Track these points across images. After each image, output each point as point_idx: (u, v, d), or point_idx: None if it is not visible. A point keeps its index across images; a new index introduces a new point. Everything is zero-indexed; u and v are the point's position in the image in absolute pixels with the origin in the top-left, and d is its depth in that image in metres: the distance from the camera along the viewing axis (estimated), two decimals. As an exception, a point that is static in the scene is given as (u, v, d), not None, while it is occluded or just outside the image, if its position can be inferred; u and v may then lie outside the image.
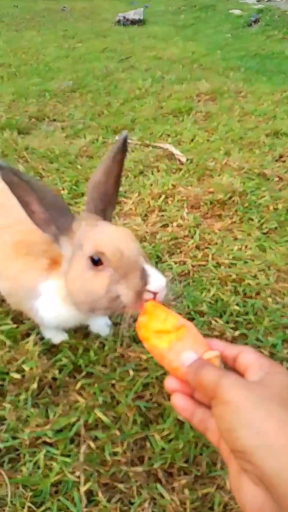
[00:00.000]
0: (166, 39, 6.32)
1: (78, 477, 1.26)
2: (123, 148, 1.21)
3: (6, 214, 1.45)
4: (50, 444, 1.35)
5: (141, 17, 7.69)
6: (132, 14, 7.78)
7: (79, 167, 2.83)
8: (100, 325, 1.69)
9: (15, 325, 1.71)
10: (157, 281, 0.98)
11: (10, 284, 1.44)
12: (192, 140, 3.12)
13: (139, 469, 1.28)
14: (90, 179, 1.24)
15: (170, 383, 0.79)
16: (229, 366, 0.77)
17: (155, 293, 0.98)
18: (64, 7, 9.86)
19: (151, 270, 1.00)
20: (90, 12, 9.26)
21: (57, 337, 1.65)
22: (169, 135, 3.22)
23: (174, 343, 0.82)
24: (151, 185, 2.60)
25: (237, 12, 7.83)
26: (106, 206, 1.24)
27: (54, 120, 3.64)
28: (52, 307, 1.35)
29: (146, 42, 6.11)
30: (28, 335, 1.69)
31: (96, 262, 1.05)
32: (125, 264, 1.01)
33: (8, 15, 8.78)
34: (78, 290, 1.13)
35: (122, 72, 4.73)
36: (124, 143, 1.20)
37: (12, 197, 1.48)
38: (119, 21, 7.75)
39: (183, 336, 0.84)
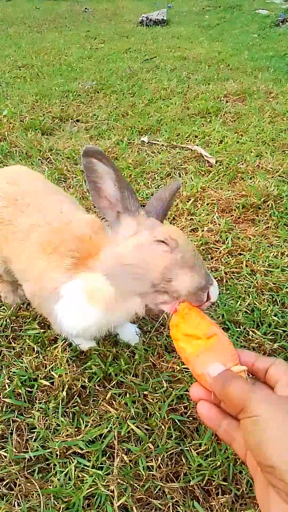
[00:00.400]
0: (191, 39, 6.25)
1: (112, 491, 1.21)
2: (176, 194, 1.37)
3: (33, 214, 1.42)
4: (81, 455, 1.30)
5: (165, 18, 7.63)
6: (155, 15, 7.74)
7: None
8: (129, 334, 1.64)
9: (42, 330, 1.68)
10: (216, 291, 1.02)
11: (33, 284, 1.39)
12: (221, 142, 3.04)
13: (175, 485, 1.23)
14: (156, 194, 1.29)
15: (195, 391, 0.78)
16: (260, 379, 0.75)
17: (207, 301, 1.00)
18: (86, 8, 9.90)
19: (213, 278, 1.03)
20: (112, 13, 9.26)
21: (85, 344, 1.61)
22: (196, 136, 3.16)
23: (202, 351, 0.81)
24: (179, 187, 2.53)
25: (264, 12, 7.71)
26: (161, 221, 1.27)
27: (78, 120, 3.62)
28: (74, 310, 1.28)
29: (170, 42, 6.05)
30: (55, 340, 1.66)
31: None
32: (194, 257, 1.04)
33: (30, 17, 8.85)
34: (133, 260, 1.10)
35: (147, 72, 4.68)
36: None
37: (39, 197, 1.47)
38: (142, 22, 7.71)
39: (213, 347, 0.82)
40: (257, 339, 1.60)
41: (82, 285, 1.24)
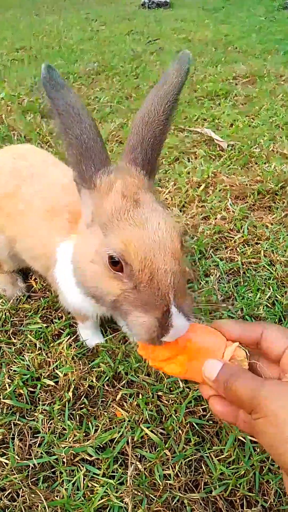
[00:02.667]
0: (196, 22, 6.03)
1: (126, 503, 1.09)
2: (186, 70, 0.91)
3: (36, 182, 1.38)
4: (90, 463, 1.19)
5: (168, 0, 7.40)
6: (158, -3, 7.48)
7: (108, 152, 2.64)
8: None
9: (45, 325, 1.55)
10: (176, 331, 0.74)
11: (40, 254, 1.34)
12: (231, 125, 2.89)
13: (195, 495, 1.12)
14: (138, 113, 0.92)
15: (204, 389, 0.74)
16: (251, 349, 0.71)
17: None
18: (86, -10, 9.60)
19: (175, 319, 0.74)
20: (113, -5, 8.98)
21: (93, 340, 1.48)
22: (205, 119, 3.00)
23: (189, 364, 0.76)
24: (189, 173, 2.39)
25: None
26: (156, 157, 0.94)
27: (80, 103, 3.45)
28: (70, 277, 1.08)
29: (174, 24, 5.84)
30: (59, 335, 1.53)
31: (116, 263, 0.79)
32: (150, 293, 0.75)
33: (28, 0, 8.57)
34: (85, 273, 0.91)
35: (151, 54, 4.50)
36: (187, 63, 0.91)
37: (44, 168, 1.45)
38: (144, 4, 7.47)
39: (193, 353, 0.76)
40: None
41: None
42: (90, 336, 1.48)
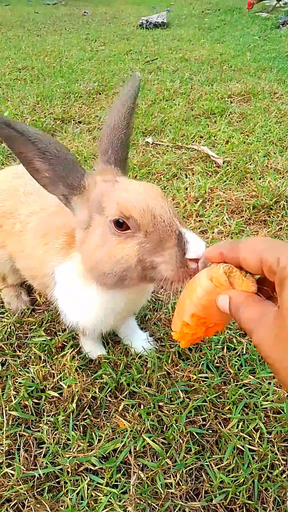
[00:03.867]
0: (192, 41, 6.20)
1: (129, 511, 1.12)
2: (138, 85, 1.12)
3: (33, 202, 1.42)
4: (94, 472, 1.22)
5: (165, 21, 7.60)
6: (155, 18, 7.70)
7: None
8: (141, 341, 1.55)
9: (49, 337, 1.59)
10: (197, 246, 0.82)
11: (37, 275, 1.36)
12: (227, 142, 2.97)
13: (196, 504, 1.15)
14: (105, 124, 1.08)
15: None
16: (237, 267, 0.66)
17: (197, 260, 0.82)
18: (85, 12, 9.88)
19: (188, 234, 0.85)
20: (112, 16, 9.24)
21: (95, 352, 1.53)
22: (202, 137, 3.09)
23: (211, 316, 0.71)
24: (187, 188, 2.47)
25: (264, 14, 7.68)
26: (125, 156, 1.10)
27: (80, 122, 3.55)
28: (72, 295, 1.18)
29: (171, 44, 6.00)
30: (63, 348, 1.57)
31: (121, 225, 0.89)
32: (158, 229, 0.86)
33: (29, 21, 8.81)
34: (102, 260, 0.95)
35: (149, 73, 4.63)
36: (138, 81, 1.12)
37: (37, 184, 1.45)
38: (142, 25, 7.68)
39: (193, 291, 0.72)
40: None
41: (74, 266, 1.14)
42: (92, 348, 1.52)
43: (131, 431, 1.29)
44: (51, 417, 1.34)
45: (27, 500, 1.15)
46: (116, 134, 1.07)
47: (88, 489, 1.17)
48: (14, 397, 1.37)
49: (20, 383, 1.42)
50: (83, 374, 1.46)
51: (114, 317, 1.22)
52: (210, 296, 0.69)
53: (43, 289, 1.40)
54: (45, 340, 1.58)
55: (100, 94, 4.15)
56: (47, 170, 0.95)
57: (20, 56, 5.67)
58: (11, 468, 1.22)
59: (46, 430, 1.30)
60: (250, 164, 2.65)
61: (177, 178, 2.62)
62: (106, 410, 1.38)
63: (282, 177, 2.49)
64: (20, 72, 4.92)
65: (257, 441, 1.26)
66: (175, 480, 1.19)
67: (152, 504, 1.14)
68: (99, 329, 1.26)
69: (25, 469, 1.21)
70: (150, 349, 1.53)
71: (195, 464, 1.22)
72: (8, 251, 1.50)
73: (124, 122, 1.06)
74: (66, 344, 1.58)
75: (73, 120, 3.56)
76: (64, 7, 10.89)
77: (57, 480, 1.21)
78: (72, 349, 1.55)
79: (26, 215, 1.39)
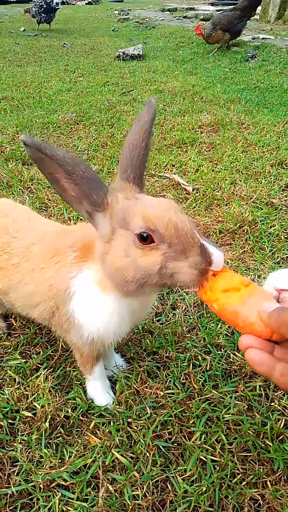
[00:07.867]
0: (166, 73, 6.54)
1: (97, 524, 1.19)
2: (154, 110, 1.18)
3: (26, 235, 1.48)
4: (65, 487, 1.28)
5: (141, 53, 7.98)
6: (131, 50, 8.08)
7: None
8: (113, 362, 1.64)
9: (23, 360, 1.67)
10: (219, 258, 0.91)
11: (44, 297, 1.36)
12: (197, 170, 3.16)
13: (161, 514, 1.22)
14: (126, 142, 1.15)
15: (245, 339, 0.79)
16: None
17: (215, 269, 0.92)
18: (64, 43, 10.25)
19: (210, 246, 0.92)
20: (91, 48, 9.61)
21: (103, 398, 1.52)
22: (173, 166, 3.28)
23: (247, 298, 0.82)
24: (159, 214, 2.61)
25: (234, 48, 8.17)
26: (142, 173, 1.16)
27: (59, 151, 3.69)
28: (91, 304, 1.22)
29: (147, 76, 6.31)
30: (37, 369, 1.65)
31: (145, 239, 0.97)
32: (182, 240, 0.94)
33: (10, 52, 9.09)
34: (125, 268, 1.02)
35: (125, 105, 4.85)
36: (153, 105, 1.18)
37: (29, 220, 1.55)
38: (119, 57, 8.04)
39: (255, 291, 0.84)
40: (238, 361, 1.63)
41: (93, 276, 1.21)
42: (100, 391, 1.52)
43: (101, 447, 1.36)
44: (25, 436, 1.40)
45: (0, 517, 1.21)
46: (135, 154, 1.13)
47: (59, 504, 1.24)
48: (-11, 419, 1.43)
49: (-5, 405, 1.48)
50: (56, 394, 1.54)
51: (130, 325, 1.28)
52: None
53: (48, 314, 1.39)
54: (20, 363, 1.65)
55: (78, 124, 4.32)
56: (73, 190, 1.04)
57: (1, 86, 5.86)
58: (-15, 487, 1.27)
59: (20, 449, 1.36)
60: (218, 191, 2.84)
61: (149, 205, 2.76)
62: (78, 428, 1.45)
63: (246, 204, 2.67)
64: (0, 102, 5.08)
65: (219, 452, 1.35)
66: (142, 491, 1.26)
67: (120, 515, 1.21)
68: (117, 337, 1.29)
69: (-1, 488, 1.27)
70: (123, 368, 1.63)
71: (161, 476, 1.30)
72: None
73: (142, 143, 1.13)
74: (40, 366, 1.65)
75: (52, 149, 3.70)
76: (44, 38, 11.26)
77: (29, 497, 1.27)
78: (46, 370, 1.62)
79: (25, 247, 1.43)
